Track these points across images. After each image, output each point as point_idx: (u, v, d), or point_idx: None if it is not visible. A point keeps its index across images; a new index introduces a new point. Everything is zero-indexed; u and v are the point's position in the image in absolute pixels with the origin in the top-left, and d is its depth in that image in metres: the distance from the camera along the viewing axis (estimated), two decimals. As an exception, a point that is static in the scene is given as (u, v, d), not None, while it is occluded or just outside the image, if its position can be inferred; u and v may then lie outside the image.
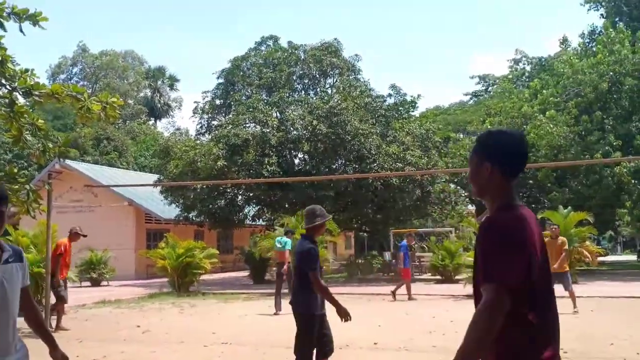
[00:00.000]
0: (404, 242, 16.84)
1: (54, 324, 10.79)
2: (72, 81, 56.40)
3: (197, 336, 10.14)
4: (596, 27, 34.92)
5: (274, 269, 15.88)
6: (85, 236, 11.54)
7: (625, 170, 21.55)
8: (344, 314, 5.50)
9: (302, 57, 26.72)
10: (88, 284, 22.19)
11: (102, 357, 8.29)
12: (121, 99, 6.19)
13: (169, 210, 26.01)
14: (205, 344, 9.27)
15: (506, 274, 2.13)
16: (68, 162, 27.30)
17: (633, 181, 21.72)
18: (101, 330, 10.80)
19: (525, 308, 2.15)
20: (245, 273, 24.57)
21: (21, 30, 5.07)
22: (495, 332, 2.11)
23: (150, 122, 62.58)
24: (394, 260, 24.94)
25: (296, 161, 25.32)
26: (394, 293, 15.79)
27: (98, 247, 22.82)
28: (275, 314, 13.13)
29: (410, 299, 15.58)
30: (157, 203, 26.83)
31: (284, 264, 13.99)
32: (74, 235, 11.40)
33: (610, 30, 27.46)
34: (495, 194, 2.32)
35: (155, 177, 28.29)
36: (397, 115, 25.89)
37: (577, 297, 12.29)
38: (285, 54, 26.73)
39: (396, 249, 27.12)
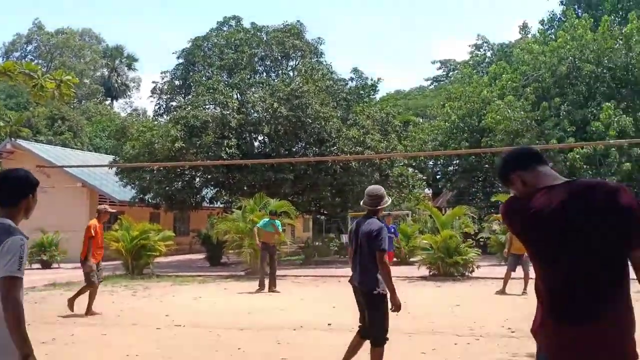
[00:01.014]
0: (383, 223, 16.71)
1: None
2: (26, 59, 54.69)
3: (150, 319, 9.99)
4: (555, 14, 35.55)
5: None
6: (113, 212, 11.25)
7: (577, 156, 22.05)
8: (397, 304, 5.41)
9: (265, 38, 26.38)
10: (38, 266, 21.67)
11: (51, 339, 8.09)
12: (77, 78, 5.99)
13: (124, 192, 25.53)
14: (158, 327, 9.14)
15: None
16: (20, 141, 26.54)
17: (585, 167, 22.25)
18: (51, 312, 10.55)
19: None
20: (202, 256, 24.37)
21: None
22: None
23: (107, 103, 61.23)
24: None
25: (256, 144, 25.10)
26: None
27: (50, 229, 22.27)
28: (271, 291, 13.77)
29: None
30: (112, 185, 26.30)
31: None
32: (103, 215, 10.92)
33: (574, 16, 27.93)
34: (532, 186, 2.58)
35: (110, 158, 27.70)
36: (358, 99, 25.88)
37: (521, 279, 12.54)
38: (248, 35, 26.31)
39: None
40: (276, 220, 14.75)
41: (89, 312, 10.40)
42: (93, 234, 10.56)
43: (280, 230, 15.07)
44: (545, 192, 2.43)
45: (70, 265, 22.21)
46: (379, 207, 5.58)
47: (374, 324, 5.49)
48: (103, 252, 11.09)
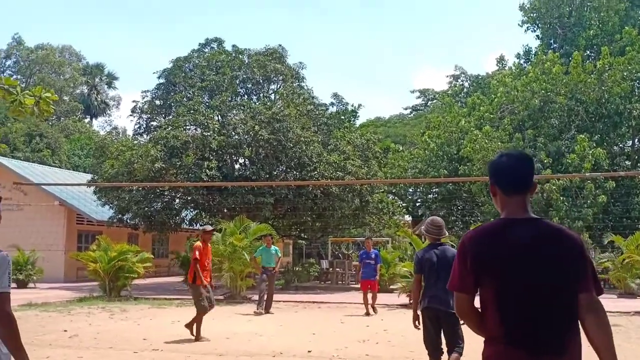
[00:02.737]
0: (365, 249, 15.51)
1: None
2: (4, 74, 54.13)
3: (127, 342, 9.88)
4: (531, 48, 36.38)
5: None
6: (215, 231, 11.06)
7: (554, 187, 22.42)
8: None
9: (246, 61, 26.53)
10: (14, 285, 21.22)
11: (25, 362, 7.95)
12: (56, 95, 5.97)
13: (102, 212, 25.25)
14: (135, 350, 9.04)
15: (453, 281, 2.62)
16: (-3, 157, 26.22)
17: (561, 198, 22.62)
18: (26, 334, 10.32)
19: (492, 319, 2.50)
20: (180, 278, 24.11)
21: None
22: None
23: (86, 120, 60.75)
24: (330, 269, 25.06)
25: (236, 166, 25.06)
26: (372, 308, 14.63)
27: (26, 247, 21.93)
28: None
29: (367, 313, 14.39)
30: (90, 204, 26.00)
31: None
32: (205, 235, 10.73)
33: (542, 52, 28.66)
34: (500, 208, 2.63)
35: (88, 177, 27.41)
36: (338, 124, 26.08)
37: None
38: (229, 58, 26.46)
39: (334, 257, 27.31)
40: (272, 247, 15.09)
41: (197, 338, 10.14)
42: (197, 257, 10.30)
43: (280, 256, 15.45)
44: (517, 225, 2.51)
45: (46, 285, 21.86)
46: (443, 237, 6.45)
47: (460, 337, 6.19)
48: (210, 273, 10.76)
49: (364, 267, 14.78)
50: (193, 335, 10.21)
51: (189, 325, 10.31)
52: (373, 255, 14.84)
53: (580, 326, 2.44)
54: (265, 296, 14.60)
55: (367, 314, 14.32)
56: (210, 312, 10.54)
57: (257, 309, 14.26)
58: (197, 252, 10.35)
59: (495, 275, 2.45)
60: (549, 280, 2.43)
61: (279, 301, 16.99)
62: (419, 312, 6.41)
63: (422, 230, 6.63)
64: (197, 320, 10.25)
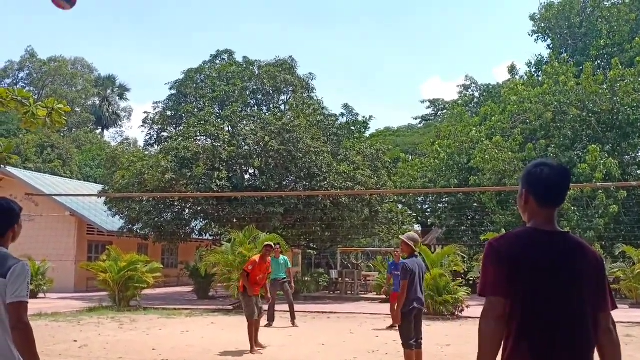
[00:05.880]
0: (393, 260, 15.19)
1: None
2: (18, 86, 54.69)
3: (136, 352, 9.89)
4: (542, 57, 36.26)
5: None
6: (273, 247, 11.06)
7: (565, 197, 22.26)
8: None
9: (257, 72, 26.67)
10: (24, 295, 21.35)
11: (34, 372, 7.97)
12: (68, 106, 6.02)
13: (112, 222, 25.37)
14: (144, 361, 9.06)
15: (486, 287, 2.44)
16: (9, 168, 26.35)
17: (572, 208, 22.47)
18: (36, 343, 10.39)
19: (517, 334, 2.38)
20: (190, 288, 24.15)
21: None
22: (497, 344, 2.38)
23: (97, 131, 61.19)
24: (339, 279, 24.97)
25: (246, 176, 25.10)
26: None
27: (37, 257, 22.04)
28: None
29: (392, 326, 13.73)
30: (101, 214, 26.13)
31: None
32: (264, 250, 10.70)
33: (555, 62, 28.58)
34: (528, 217, 2.56)
35: (99, 187, 27.55)
36: (348, 135, 26.09)
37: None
38: (240, 69, 26.63)
39: (343, 267, 27.22)
40: (281, 257, 14.87)
41: (252, 349, 10.01)
42: (249, 270, 10.23)
43: (289, 266, 15.22)
44: (547, 237, 2.46)
45: (57, 295, 21.94)
46: (417, 249, 7.78)
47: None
48: (259, 287, 10.60)
49: (394, 279, 13.90)
50: (254, 347, 10.04)
51: (251, 346, 10.08)
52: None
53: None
54: (274, 308, 14.41)
55: (393, 326, 13.59)
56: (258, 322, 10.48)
57: (267, 322, 14.24)
58: (249, 266, 10.29)
59: (527, 285, 2.37)
60: (578, 297, 2.40)
61: (287, 311, 16.99)
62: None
63: (401, 244, 7.81)
64: (249, 330, 10.11)
